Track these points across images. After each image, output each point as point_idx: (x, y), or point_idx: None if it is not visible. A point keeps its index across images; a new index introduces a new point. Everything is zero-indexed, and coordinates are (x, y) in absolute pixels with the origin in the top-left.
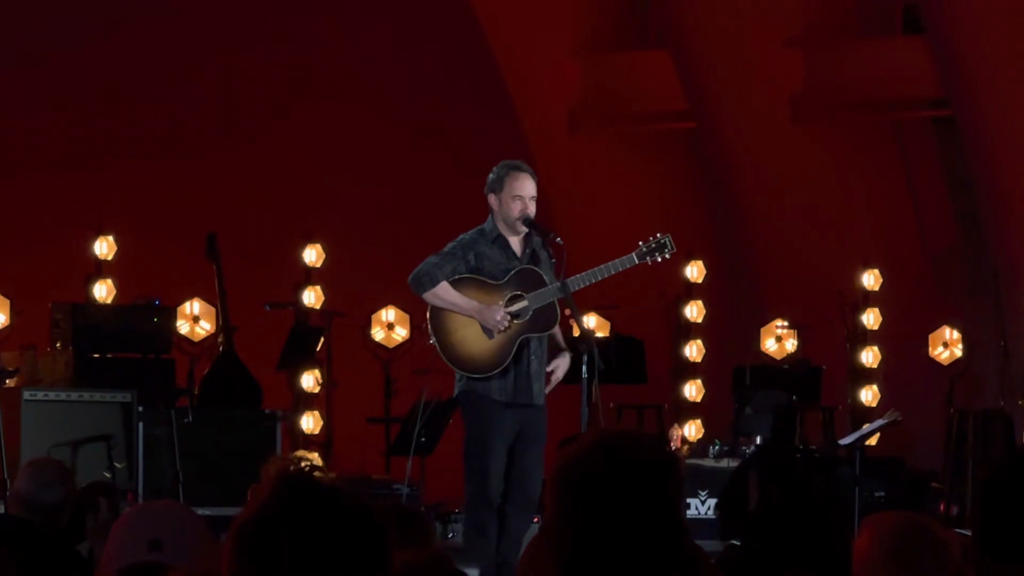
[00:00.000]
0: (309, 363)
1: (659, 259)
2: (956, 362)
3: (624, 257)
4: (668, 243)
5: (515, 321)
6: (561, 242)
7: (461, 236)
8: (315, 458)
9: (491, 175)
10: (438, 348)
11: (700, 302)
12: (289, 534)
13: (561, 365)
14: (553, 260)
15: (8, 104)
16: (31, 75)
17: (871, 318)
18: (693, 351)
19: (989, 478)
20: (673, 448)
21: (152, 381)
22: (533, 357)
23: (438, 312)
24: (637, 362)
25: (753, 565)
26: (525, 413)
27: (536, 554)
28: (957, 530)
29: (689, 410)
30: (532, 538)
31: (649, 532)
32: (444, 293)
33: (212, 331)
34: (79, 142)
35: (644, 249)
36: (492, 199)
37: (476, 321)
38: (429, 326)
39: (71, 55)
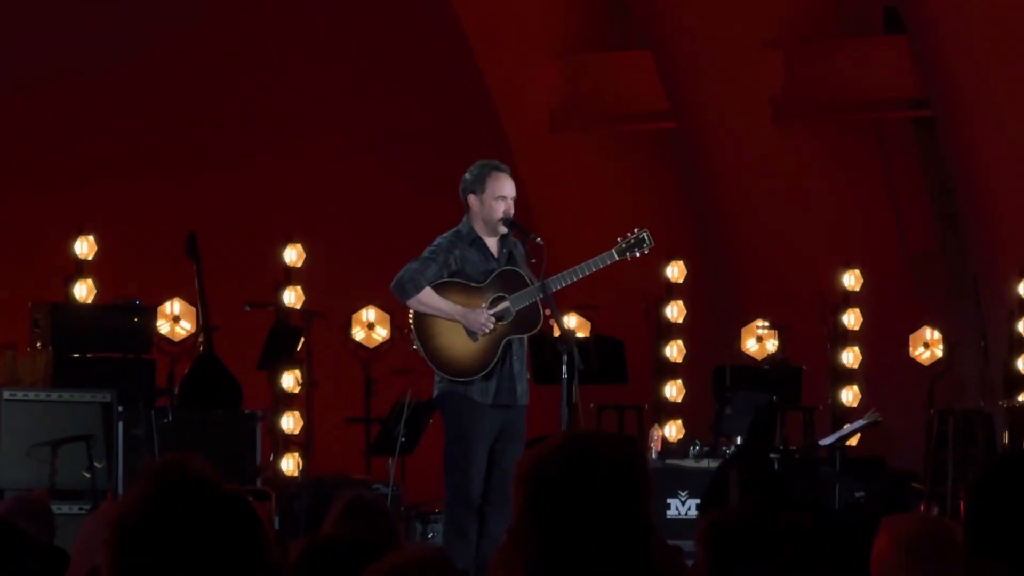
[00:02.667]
0: (289, 363)
1: (638, 254)
2: (936, 363)
3: (603, 254)
4: (646, 238)
5: (499, 323)
6: (541, 242)
7: (438, 240)
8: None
9: (468, 176)
10: (423, 353)
11: (680, 302)
12: (161, 521)
13: None
14: (533, 260)
15: None
16: (9, 76)
17: (852, 318)
18: (673, 351)
19: (979, 480)
20: (652, 448)
21: (132, 381)
22: (515, 358)
23: (422, 317)
24: (617, 362)
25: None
26: (507, 413)
27: (506, 555)
28: None
29: (669, 410)
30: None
31: (616, 532)
32: (428, 298)
33: (192, 331)
34: (60, 142)
35: (623, 245)
36: (472, 200)
37: (460, 325)
38: (413, 331)
39: (52, 56)
